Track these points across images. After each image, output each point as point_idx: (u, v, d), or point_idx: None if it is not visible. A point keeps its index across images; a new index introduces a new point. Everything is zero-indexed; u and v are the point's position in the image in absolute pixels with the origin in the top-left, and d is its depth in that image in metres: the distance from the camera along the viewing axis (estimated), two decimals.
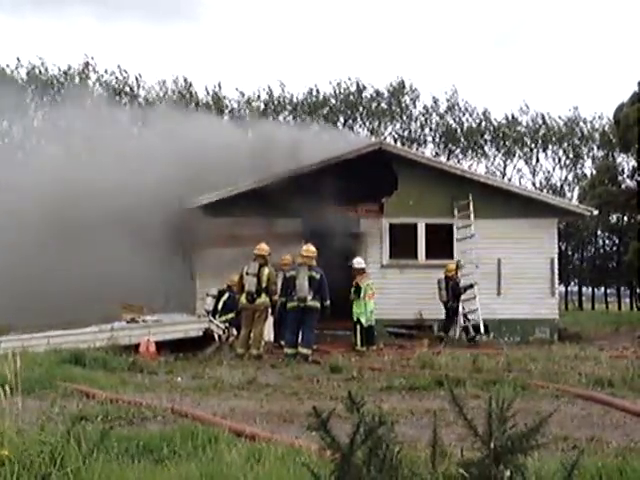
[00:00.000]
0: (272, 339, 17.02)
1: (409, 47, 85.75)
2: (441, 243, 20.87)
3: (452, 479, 3.15)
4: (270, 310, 15.96)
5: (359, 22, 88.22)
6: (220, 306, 17.35)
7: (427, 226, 20.95)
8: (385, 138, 45.38)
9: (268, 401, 9.21)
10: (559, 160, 53.36)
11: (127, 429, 6.86)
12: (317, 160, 20.34)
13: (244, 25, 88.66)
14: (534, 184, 51.49)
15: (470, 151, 51.83)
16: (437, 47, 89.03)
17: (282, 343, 15.81)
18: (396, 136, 50.68)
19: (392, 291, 19.70)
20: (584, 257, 55.50)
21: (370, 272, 18.52)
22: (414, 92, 51.25)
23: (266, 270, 15.37)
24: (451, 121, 51.74)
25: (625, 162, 48.08)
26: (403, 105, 51.18)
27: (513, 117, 52.25)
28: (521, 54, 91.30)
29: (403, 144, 46.24)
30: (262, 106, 48.87)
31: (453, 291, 19.20)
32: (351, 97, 50.67)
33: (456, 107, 51.70)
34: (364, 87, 50.87)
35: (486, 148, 52.39)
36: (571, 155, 53.19)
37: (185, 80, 48.94)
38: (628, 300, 55.19)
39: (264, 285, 15.25)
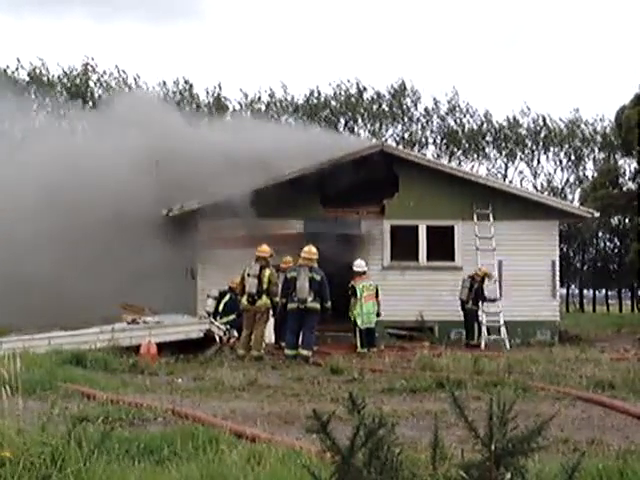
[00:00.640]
0: (273, 341, 17.04)
1: (410, 49, 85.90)
2: (442, 245, 20.87)
3: None
4: (271, 312, 15.98)
5: (360, 23, 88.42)
6: (221, 308, 17.37)
7: (428, 228, 20.95)
8: (386, 140, 45.31)
9: (269, 402, 9.21)
10: (560, 162, 53.37)
11: (128, 430, 6.85)
12: (318, 162, 20.31)
13: (244, 25, 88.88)
14: (535, 186, 51.44)
15: (471, 153, 51.83)
16: (438, 49, 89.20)
17: (283, 344, 15.83)
18: (397, 138, 50.66)
19: (393, 293, 19.67)
20: (585, 259, 55.49)
21: (371, 274, 18.51)
22: (415, 94, 51.24)
23: (267, 272, 15.38)
24: (452, 123, 51.66)
25: (626, 164, 48.08)
26: (404, 107, 51.12)
27: (514, 119, 52.18)
28: (522, 56, 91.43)
29: (404, 146, 46.18)
30: (263, 107, 48.84)
31: (476, 294, 19.13)
32: (352, 99, 50.62)
33: (457, 109, 51.63)
34: (365, 89, 50.87)
35: (487, 150, 52.37)
36: (572, 157, 53.15)
37: (185, 81, 49.05)
38: (629, 302, 55.20)
39: (265, 287, 15.26)
